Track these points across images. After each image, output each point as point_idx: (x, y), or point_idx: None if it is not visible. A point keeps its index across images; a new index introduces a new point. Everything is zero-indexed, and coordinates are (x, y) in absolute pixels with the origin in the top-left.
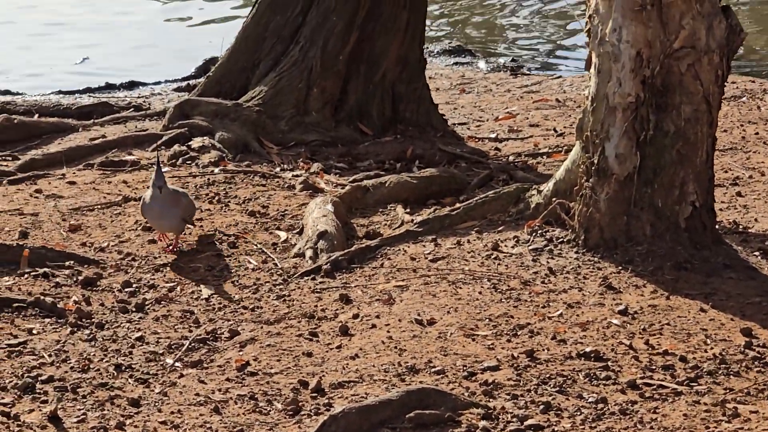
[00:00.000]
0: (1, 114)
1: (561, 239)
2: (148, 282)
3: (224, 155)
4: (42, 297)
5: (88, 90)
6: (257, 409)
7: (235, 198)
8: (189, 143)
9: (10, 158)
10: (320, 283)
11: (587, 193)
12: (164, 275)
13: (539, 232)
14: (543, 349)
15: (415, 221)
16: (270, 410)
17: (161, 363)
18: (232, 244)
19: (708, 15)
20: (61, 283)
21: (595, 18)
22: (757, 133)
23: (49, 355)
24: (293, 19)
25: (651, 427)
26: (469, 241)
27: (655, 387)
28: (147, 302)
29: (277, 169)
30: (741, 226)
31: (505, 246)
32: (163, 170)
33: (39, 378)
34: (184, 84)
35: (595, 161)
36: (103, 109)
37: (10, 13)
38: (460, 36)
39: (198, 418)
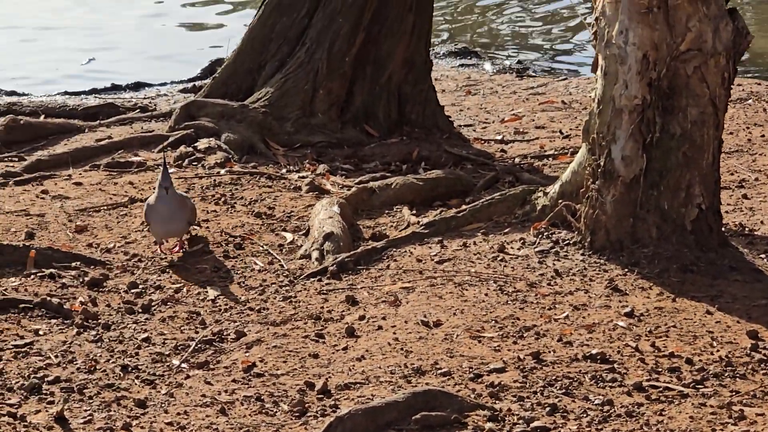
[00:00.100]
0: (7, 115)
1: (567, 241)
2: (155, 283)
3: (230, 156)
4: (48, 298)
5: (93, 91)
6: (263, 411)
7: (241, 199)
8: (195, 144)
9: (16, 159)
10: (326, 284)
11: (593, 195)
12: (170, 276)
13: (545, 234)
14: (549, 351)
15: (421, 223)
16: (276, 411)
17: (168, 364)
18: (239, 246)
19: (714, 17)
20: (68, 284)
21: (602, 20)
22: (763, 136)
23: (56, 356)
24: (299, 21)
25: (657, 430)
26: (475, 243)
27: (661, 389)
28: (153, 303)
29: (283, 170)
30: (747, 229)
31: (511, 248)
32: (169, 172)
33: (45, 379)
34: (189, 85)
35: (602, 163)
36: (109, 110)
37: (16, 14)
38: (465, 38)
39: (204, 419)
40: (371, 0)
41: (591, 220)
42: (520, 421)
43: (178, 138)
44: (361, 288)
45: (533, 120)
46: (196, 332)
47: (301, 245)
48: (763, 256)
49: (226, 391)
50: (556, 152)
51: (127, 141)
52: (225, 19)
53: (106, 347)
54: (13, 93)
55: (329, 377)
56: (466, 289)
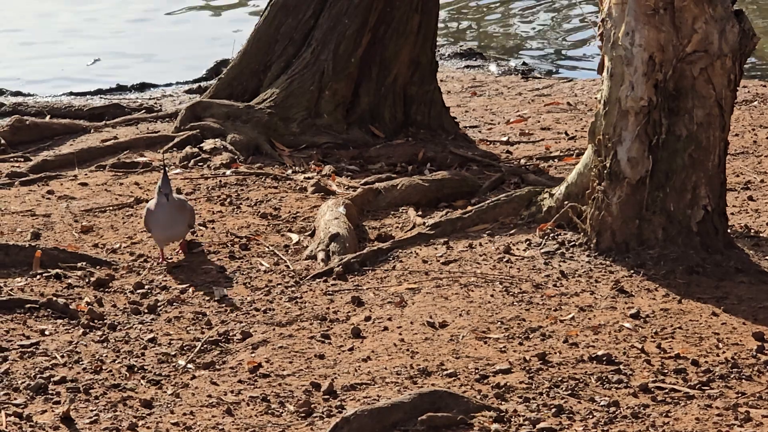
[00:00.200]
0: (13, 115)
1: (573, 242)
2: (160, 283)
3: (236, 157)
4: (54, 298)
5: (99, 92)
6: (269, 411)
7: (246, 200)
8: (201, 145)
9: (22, 159)
10: (332, 285)
11: (599, 196)
12: (176, 277)
13: (551, 235)
14: (555, 353)
15: (426, 224)
16: (282, 412)
17: (173, 364)
18: (244, 246)
19: (721, 19)
20: (74, 285)
21: (608, 22)
22: None
23: (62, 356)
24: (305, 22)
25: (663, 431)
26: (481, 244)
27: (667, 391)
28: (159, 304)
29: (289, 171)
30: (753, 231)
31: (517, 249)
32: (169, 177)
33: (51, 379)
34: (195, 86)
35: (608, 165)
36: (114, 110)
37: (22, 15)
38: (470, 39)
39: (210, 420)
40: (377, 1)
41: (597, 222)
42: (526, 422)
43: (184, 139)
44: (367, 289)
45: (539, 121)
46: (202, 333)
47: (307, 246)
48: None
49: (232, 392)
50: (561, 154)
51: (133, 141)
52: (230, 20)
53: (112, 347)
54: (18, 93)
55: (335, 378)
56: (472, 290)
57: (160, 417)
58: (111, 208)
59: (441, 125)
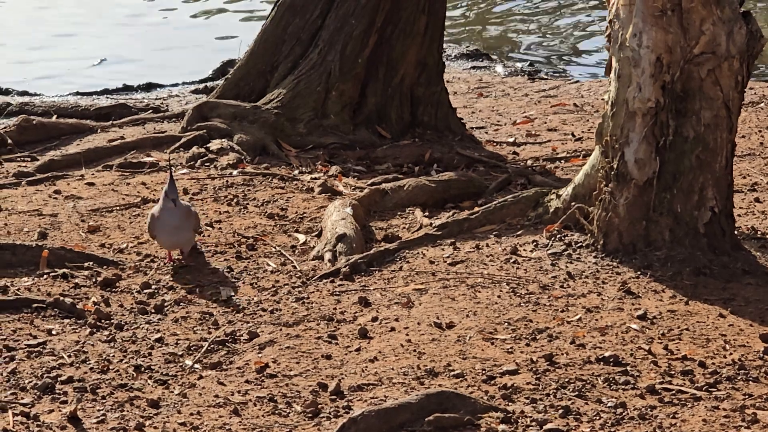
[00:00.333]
0: (19, 115)
1: (580, 244)
2: (167, 283)
3: (243, 157)
4: (61, 298)
5: (105, 91)
6: (276, 411)
7: (253, 200)
8: (207, 145)
9: (29, 159)
10: (339, 285)
11: (606, 197)
12: (183, 277)
13: (558, 236)
14: (562, 354)
15: (433, 225)
16: (289, 412)
17: (180, 364)
18: (251, 247)
19: (728, 21)
20: (80, 284)
21: (616, 23)
22: None
23: (69, 356)
24: (312, 22)
25: None
26: (488, 245)
27: (674, 392)
28: (166, 304)
29: (296, 171)
30: (759, 232)
31: (524, 250)
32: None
33: (58, 378)
34: (201, 86)
35: (615, 166)
36: (121, 110)
37: (28, 14)
38: (477, 40)
39: (217, 420)
40: (384, 2)
41: (604, 223)
42: (533, 423)
43: (191, 139)
44: (374, 289)
45: (545, 122)
46: (209, 333)
47: (314, 246)
48: None
49: (239, 392)
50: (568, 155)
51: (140, 141)
52: (236, 20)
53: (119, 347)
54: (25, 93)
55: (342, 378)
56: (479, 291)
57: (167, 417)
58: (118, 207)
59: (448, 126)
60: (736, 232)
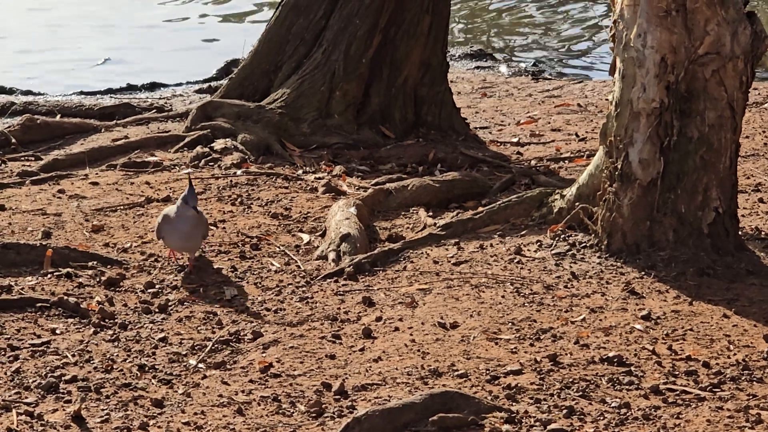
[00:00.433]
0: (23, 114)
1: (584, 244)
2: (171, 283)
3: (247, 157)
4: (65, 297)
5: (109, 91)
6: (280, 411)
7: (257, 200)
8: (211, 145)
9: (32, 158)
10: (343, 285)
11: (610, 198)
12: (187, 276)
13: (562, 236)
14: (566, 354)
15: (437, 225)
16: (293, 412)
17: (184, 364)
18: (255, 246)
19: (733, 21)
20: (84, 284)
21: (620, 23)
22: None
23: (73, 355)
24: (316, 22)
25: None
26: (492, 245)
27: (678, 392)
28: (170, 303)
29: (300, 171)
30: (763, 233)
31: (528, 250)
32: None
33: (62, 378)
34: (205, 86)
35: (619, 166)
36: (125, 110)
37: (31, 14)
38: (481, 40)
39: (221, 419)
40: (388, 2)
41: (608, 223)
42: (537, 423)
43: (195, 138)
44: (378, 289)
45: (549, 123)
46: (213, 332)
47: (318, 246)
48: None
49: (242, 392)
50: (572, 155)
51: (144, 141)
52: (240, 20)
53: (123, 347)
54: (29, 92)
55: (346, 378)
56: (483, 291)
57: (171, 416)
58: (122, 207)
59: (451, 126)
60: (740, 233)
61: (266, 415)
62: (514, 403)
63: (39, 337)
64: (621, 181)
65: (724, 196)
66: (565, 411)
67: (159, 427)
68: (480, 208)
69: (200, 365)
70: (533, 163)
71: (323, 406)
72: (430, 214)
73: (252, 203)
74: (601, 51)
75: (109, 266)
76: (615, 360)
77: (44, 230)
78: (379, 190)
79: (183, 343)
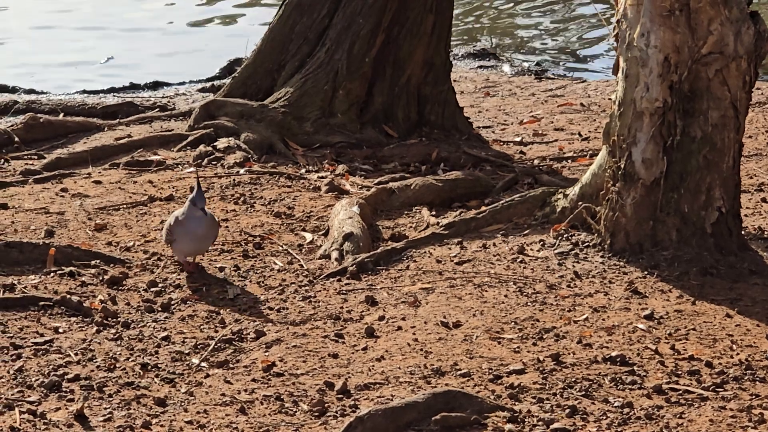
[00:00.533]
0: (26, 113)
1: (587, 243)
2: (174, 282)
3: (249, 156)
4: (68, 296)
5: (112, 90)
6: (283, 410)
7: (260, 199)
8: (214, 144)
9: (36, 157)
10: (346, 284)
11: (613, 197)
12: (190, 276)
13: (565, 236)
14: (569, 353)
15: (440, 224)
16: (296, 411)
17: (187, 363)
18: (258, 245)
19: (736, 21)
20: (87, 282)
21: (624, 23)
22: None
23: (75, 354)
24: (319, 21)
25: None
26: (494, 245)
27: (681, 392)
28: (173, 302)
29: (303, 170)
30: (766, 233)
31: (531, 249)
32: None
33: (65, 376)
34: (208, 84)
35: (622, 166)
36: (128, 108)
37: (36, 12)
38: (484, 39)
39: (224, 418)
40: (391, 1)
41: (611, 223)
42: (540, 423)
43: (198, 137)
44: (381, 288)
45: (552, 122)
46: (216, 331)
47: (321, 245)
48: None
49: (245, 391)
50: (575, 154)
51: (147, 140)
52: (243, 19)
53: (125, 345)
54: (32, 91)
55: (349, 377)
56: (486, 291)
57: (174, 415)
58: (125, 206)
59: (454, 125)
60: (743, 233)
61: (269, 414)
62: (516, 403)
63: (42, 335)
64: (624, 181)
65: (727, 196)
66: (567, 410)
67: (162, 425)
68: (483, 208)
69: (203, 364)
70: (536, 162)
71: (326, 405)
72: (433, 213)
73: (255, 202)
74: (603, 50)
75: (111, 265)
76: (618, 359)
77: (47, 229)
78: (382, 189)
79: (186, 341)
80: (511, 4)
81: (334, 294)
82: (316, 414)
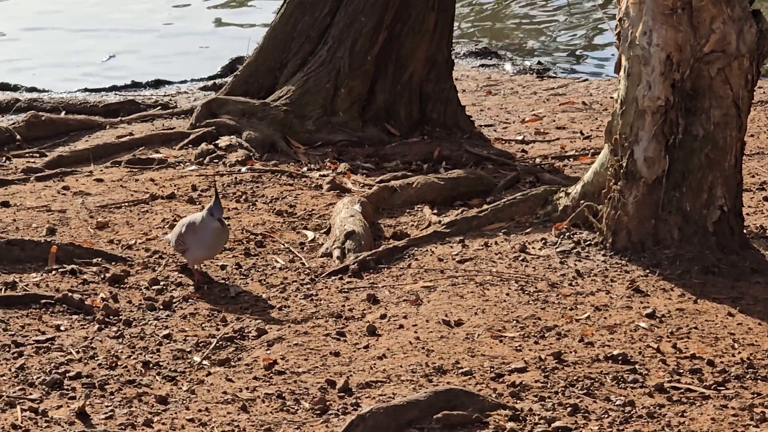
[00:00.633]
0: (28, 111)
1: (588, 242)
2: (176, 280)
3: (251, 154)
4: (70, 294)
5: (114, 88)
6: (285, 408)
7: (262, 197)
8: (216, 142)
9: (37, 155)
10: (347, 282)
11: (615, 196)
12: (192, 274)
13: (567, 234)
14: (570, 352)
15: (442, 222)
16: (297, 409)
17: (189, 361)
18: (260, 243)
19: (739, 19)
20: (89, 280)
21: (626, 21)
22: None
23: (77, 352)
24: (321, 20)
25: (678, 431)
26: (496, 243)
27: (682, 391)
28: (174, 300)
29: (304, 168)
30: None
31: (533, 248)
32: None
33: (67, 374)
34: (210, 83)
35: (624, 164)
36: (130, 107)
37: (37, 11)
38: (486, 38)
39: (225, 417)
40: None
41: (613, 221)
42: (542, 421)
43: (199, 135)
44: (383, 287)
45: (554, 120)
46: (217, 329)
47: (323, 243)
48: None
49: (247, 389)
50: (576, 153)
51: (148, 138)
52: (245, 18)
53: (127, 343)
54: (33, 89)
55: (350, 375)
56: (488, 289)
57: (175, 413)
58: (126, 204)
59: (456, 124)
60: (744, 231)
61: (270, 412)
62: (518, 401)
63: (43, 333)
64: (626, 179)
65: (729, 195)
66: (569, 409)
67: (163, 423)
68: (485, 206)
69: (204, 362)
70: (538, 161)
71: (327, 403)
72: (435, 211)
73: (257, 200)
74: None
75: (113, 263)
76: (619, 358)
77: (49, 227)
78: (384, 187)
79: (187, 340)
80: (514, 3)
81: (336, 292)
82: (318, 412)
